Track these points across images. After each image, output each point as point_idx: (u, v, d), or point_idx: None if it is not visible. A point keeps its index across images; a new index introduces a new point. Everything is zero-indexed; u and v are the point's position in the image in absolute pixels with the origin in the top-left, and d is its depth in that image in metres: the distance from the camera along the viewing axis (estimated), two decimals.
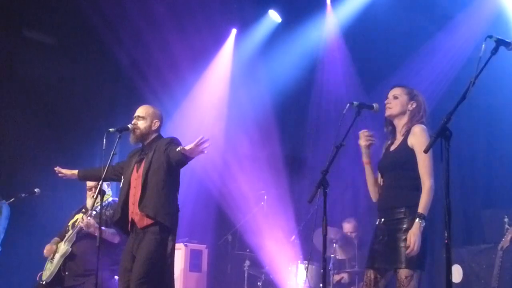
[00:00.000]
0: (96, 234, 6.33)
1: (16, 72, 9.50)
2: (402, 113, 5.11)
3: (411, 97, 5.14)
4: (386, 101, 5.15)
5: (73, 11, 9.89)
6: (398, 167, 4.99)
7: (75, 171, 6.74)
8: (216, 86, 11.31)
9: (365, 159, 5.21)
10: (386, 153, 5.19)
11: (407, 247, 4.68)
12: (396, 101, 5.12)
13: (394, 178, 5.01)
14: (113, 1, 9.95)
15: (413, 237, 4.66)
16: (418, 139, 4.90)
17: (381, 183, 5.21)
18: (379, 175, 5.26)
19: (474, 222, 8.55)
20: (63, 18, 9.99)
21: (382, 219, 4.97)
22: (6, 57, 9.49)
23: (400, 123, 5.13)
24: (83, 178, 6.88)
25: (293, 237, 9.50)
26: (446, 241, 3.74)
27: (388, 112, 5.14)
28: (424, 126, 4.98)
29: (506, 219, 7.37)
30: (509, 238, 7.22)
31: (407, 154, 4.95)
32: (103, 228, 6.78)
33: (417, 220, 4.71)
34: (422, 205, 4.74)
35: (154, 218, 5.88)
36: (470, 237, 8.55)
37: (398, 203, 4.91)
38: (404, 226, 4.80)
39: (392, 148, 5.13)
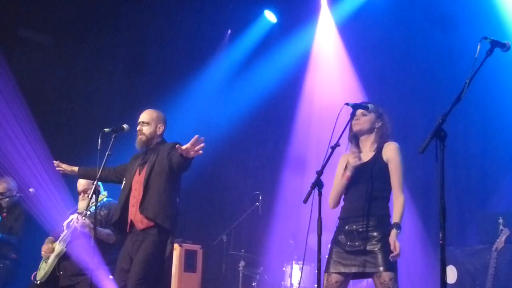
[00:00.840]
0: (92, 234, 6.32)
1: (11, 72, 9.47)
2: (370, 130, 5.30)
3: (378, 115, 5.33)
4: (354, 118, 5.27)
5: (69, 11, 9.87)
6: (372, 179, 5.16)
7: (75, 168, 6.70)
8: (211, 86, 11.30)
9: (349, 173, 5.27)
10: (354, 166, 5.28)
11: (385, 252, 4.92)
12: (365, 118, 5.28)
13: (366, 188, 5.16)
14: (108, 1, 9.95)
15: (397, 244, 4.89)
16: (394, 156, 5.17)
17: (341, 196, 5.38)
18: (340, 187, 5.37)
19: (469, 223, 8.55)
20: (59, 18, 9.97)
21: (354, 226, 5.12)
22: (2, 57, 9.46)
23: (368, 140, 5.32)
24: (83, 176, 6.87)
25: (288, 237, 9.50)
26: (441, 241, 3.76)
27: (357, 128, 5.30)
28: (398, 145, 5.23)
29: (500, 220, 7.37)
30: (503, 239, 7.23)
31: (381, 168, 5.17)
32: (98, 228, 6.77)
33: (394, 229, 4.95)
34: (398, 216, 5.01)
35: (154, 221, 5.88)
36: (464, 238, 8.54)
37: (370, 212, 5.10)
38: (376, 234, 5.03)
39: (360, 161, 5.26)
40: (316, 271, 4.88)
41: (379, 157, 5.18)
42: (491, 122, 8.61)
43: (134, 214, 6.00)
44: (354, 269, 5.04)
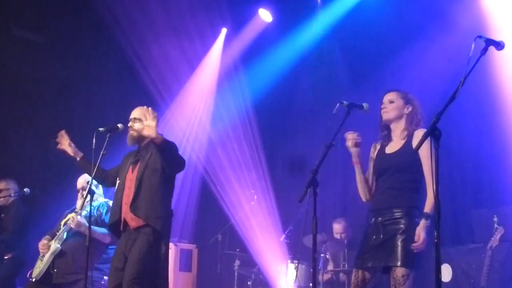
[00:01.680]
0: (87, 234, 6.29)
1: (6, 71, 9.45)
2: (399, 117, 5.22)
3: (407, 101, 5.24)
4: (382, 106, 5.24)
5: (63, 10, 9.86)
6: (402, 169, 5.08)
7: (81, 154, 6.34)
8: (206, 85, 11.29)
9: (355, 159, 5.26)
10: (383, 156, 5.25)
11: (406, 246, 4.80)
12: (392, 105, 5.21)
13: (395, 180, 5.08)
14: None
15: (422, 233, 4.78)
16: (424, 144, 4.97)
17: (373, 184, 5.29)
18: (370, 176, 5.32)
19: (464, 222, 8.55)
20: (53, 17, 9.95)
21: (379, 219, 5.04)
22: None
23: (398, 127, 5.23)
24: (83, 167, 6.43)
25: (283, 236, 9.50)
26: (435, 240, 3.76)
27: (385, 117, 5.24)
28: None
29: (495, 219, 7.39)
30: (498, 237, 7.25)
31: (412, 158, 5.03)
32: (93, 228, 6.75)
33: (423, 219, 4.81)
34: (430, 206, 4.85)
35: (145, 221, 5.85)
36: (459, 237, 8.55)
37: (398, 203, 5.01)
38: (402, 226, 4.92)
39: (390, 151, 5.21)
40: (311, 269, 4.86)
41: (409, 146, 5.08)
42: (486, 121, 8.60)
43: (126, 212, 5.93)
44: (378, 263, 4.95)
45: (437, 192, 3.73)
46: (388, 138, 5.29)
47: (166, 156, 5.82)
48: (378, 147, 5.35)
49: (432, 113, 3.89)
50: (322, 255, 8.61)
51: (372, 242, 5.02)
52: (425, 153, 4.89)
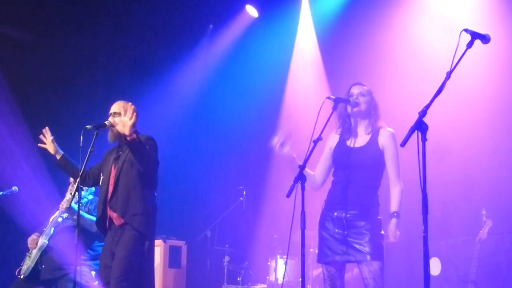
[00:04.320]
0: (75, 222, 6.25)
1: None
2: (367, 112, 5.22)
3: (371, 98, 5.27)
4: (353, 97, 5.21)
5: (49, 8, 9.81)
6: (366, 166, 5.12)
7: (61, 153, 6.27)
8: (194, 81, 11.26)
9: (290, 157, 5.16)
10: (345, 149, 5.23)
11: (374, 242, 4.91)
12: (364, 99, 5.22)
13: (358, 176, 5.11)
14: None
15: (398, 232, 4.94)
16: (390, 144, 5.10)
17: (326, 173, 5.36)
18: (327, 163, 5.34)
19: (452, 215, 8.57)
20: (39, 15, 9.89)
21: (343, 214, 5.05)
22: None
23: (364, 122, 5.24)
24: (63, 166, 6.32)
25: (272, 232, 9.50)
26: (423, 234, 3.76)
27: (357, 108, 5.21)
28: (393, 131, 5.16)
29: (483, 212, 7.42)
30: (486, 230, 7.28)
31: (376, 155, 5.11)
32: (82, 213, 6.72)
33: (394, 218, 4.96)
34: (397, 205, 5.02)
35: (122, 218, 5.83)
36: (448, 230, 8.57)
37: (362, 201, 5.05)
38: (364, 223, 4.98)
39: (352, 145, 5.21)
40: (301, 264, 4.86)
41: (373, 143, 5.12)
42: (472, 113, 8.61)
43: (110, 210, 5.94)
44: (348, 258, 4.98)
45: (424, 185, 3.74)
46: (349, 131, 5.27)
47: (137, 155, 5.78)
48: (337, 138, 5.33)
49: (418, 108, 3.89)
50: (311, 250, 8.61)
51: (336, 236, 5.05)
52: (390, 152, 5.08)
